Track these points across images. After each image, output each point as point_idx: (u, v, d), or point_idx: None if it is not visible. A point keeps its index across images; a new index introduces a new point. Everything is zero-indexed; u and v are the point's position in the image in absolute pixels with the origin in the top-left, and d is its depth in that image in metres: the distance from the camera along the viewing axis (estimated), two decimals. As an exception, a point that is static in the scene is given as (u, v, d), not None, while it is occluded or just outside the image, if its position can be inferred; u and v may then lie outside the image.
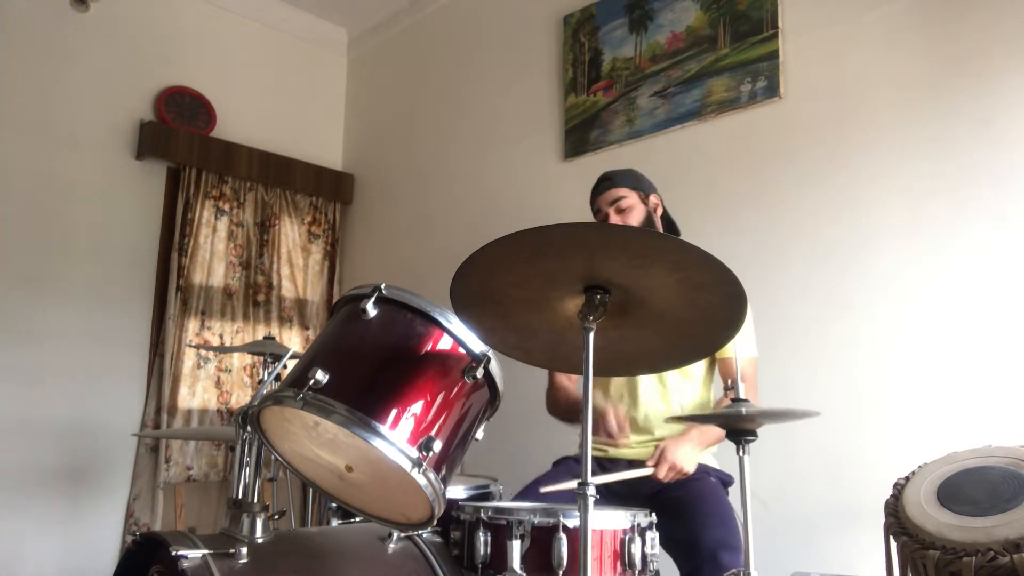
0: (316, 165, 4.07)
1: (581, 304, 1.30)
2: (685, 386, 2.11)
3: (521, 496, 1.94)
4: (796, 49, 2.56)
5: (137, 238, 3.52)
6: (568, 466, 2.10)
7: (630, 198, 2.15)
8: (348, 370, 1.35)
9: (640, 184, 2.19)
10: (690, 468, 1.86)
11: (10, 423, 3.07)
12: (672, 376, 2.10)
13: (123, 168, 3.50)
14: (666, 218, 2.25)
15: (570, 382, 2.25)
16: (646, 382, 2.11)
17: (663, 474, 1.83)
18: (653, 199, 2.20)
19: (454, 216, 3.62)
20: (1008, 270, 2.08)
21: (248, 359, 3.70)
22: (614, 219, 2.13)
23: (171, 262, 3.53)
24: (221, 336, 3.65)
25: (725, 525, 1.80)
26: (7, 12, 3.22)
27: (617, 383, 2.14)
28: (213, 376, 3.60)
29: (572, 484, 1.65)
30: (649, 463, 1.85)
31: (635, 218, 2.14)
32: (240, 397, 3.63)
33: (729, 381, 1.55)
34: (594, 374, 1.28)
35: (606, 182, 2.19)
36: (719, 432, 1.93)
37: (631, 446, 2.07)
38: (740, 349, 2.06)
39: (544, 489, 1.74)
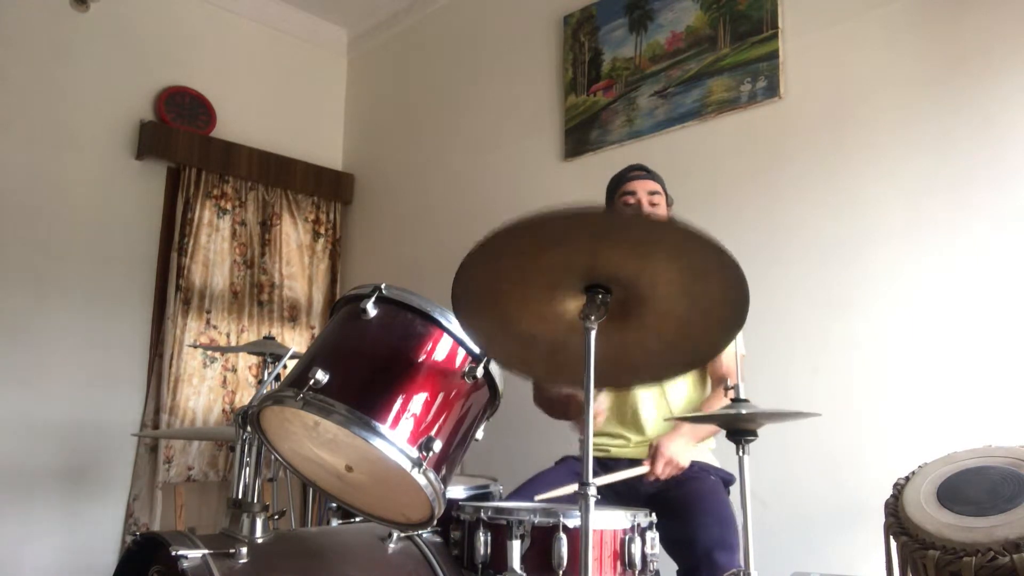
0: (316, 165, 4.07)
1: (582, 305, 1.30)
2: (678, 384, 2.12)
3: (521, 491, 1.94)
4: (796, 49, 2.56)
5: (137, 238, 3.52)
6: (570, 465, 2.10)
7: (662, 195, 2.15)
8: (348, 370, 1.35)
9: (667, 189, 2.19)
10: (684, 462, 1.86)
11: (10, 423, 3.07)
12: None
13: (123, 168, 3.49)
14: None
15: None
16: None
17: (659, 470, 1.84)
18: (671, 210, 2.19)
19: (454, 216, 3.61)
20: (1008, 270, 2.08)
21: (254, 359, 3.70)
22: (648, 210, 2.10)
23: (171, 262, 3.53)
24: (228, 335, 3.65)
25: (722, 524, 1.80)
26: (7, 12, 3.22)
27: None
28: (220, 376, 3.60)
29: (567, 489, 1.65)
30: (645, 462, 1.86)
31: None
32: (245, 397, 3.63)
33: (728, 381, 1.55)
34: (596, 385, 1.27)
35: (642, 171, 2.18)
36: (711, 426, 1.94)
37: (632, 446, 2.08)
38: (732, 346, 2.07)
39: (540, 497, 1.75)
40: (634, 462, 2.04)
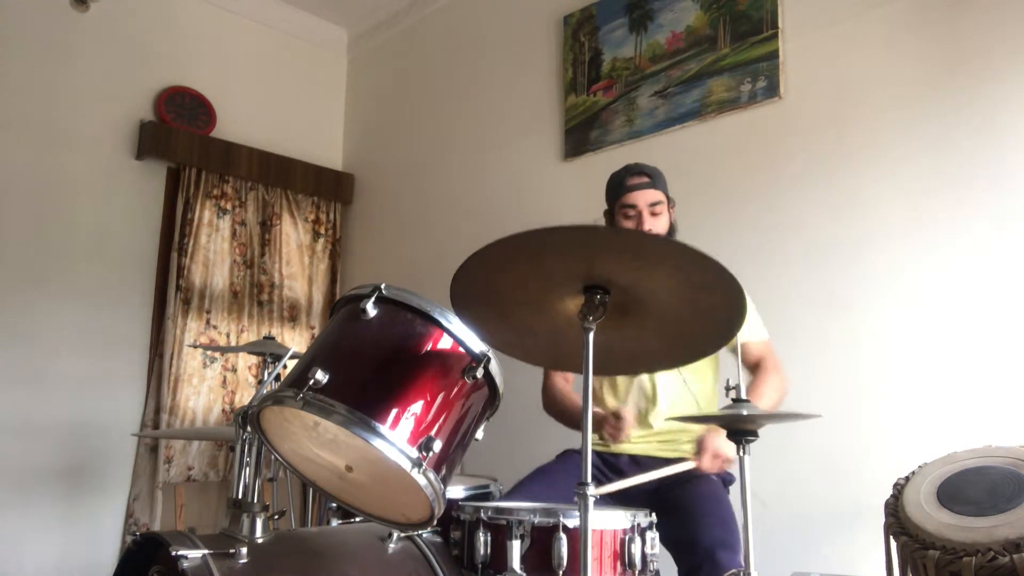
0: (316, 165, 4.07)
1: (581, 304, 1.30)
2: (699, 379, 2.11)
3: (522, 487, 1.95)
4: (796, 49, 2.56)
5: (137, 238, 3.52)
6: (573, 459, 2.10)
7: (664, 203, 2.09)
8: (348, 370, 1.35)
9: (667, 190, 2.13)
10: (733, 455, 1.83)
11: (10, 423, 3.07)
12: (687, 371, 2.10)
13: (123, 168, 3.49)
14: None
15: (566, 383, 2.22)
16: (664, 378, 2.10)
17: (707, 464, 1.85)
18: (672, 212, 2.13)
19: (454, 216, 3.62)
20: (1008, 269, 2.08)
21: (253, 359, 3.69)
22: (649, 221, 2.05)
23: (171, 262, 3.53)
24: (228, 335, 3.65)
25: (724, 524, 1.80)
26: (7, 12, 3.22)
27: (628, 380, 2.13)
28: (219, 376, 3.60)
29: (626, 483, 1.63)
30: (691, 457, 1.86)
31: (662, 225, 2.08)
32: (245, 397, 3.63)
33: (729, 380, 1.54)
34: (594, 372, 1.28)
35: (644, 178, 2.08)
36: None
37: (632, 441, 2.08)
38: (751, 334, 2.07)
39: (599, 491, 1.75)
40: (635, 458, 2.05)
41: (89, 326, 3.31)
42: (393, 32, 4.15)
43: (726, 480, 2.03)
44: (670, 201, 2.14)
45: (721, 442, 1.85)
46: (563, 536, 1.45)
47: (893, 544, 1.56)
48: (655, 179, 2.10)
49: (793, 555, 2.21)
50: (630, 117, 2.96)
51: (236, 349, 2.82)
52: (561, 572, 1.44)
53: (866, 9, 2.42)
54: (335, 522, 1.81)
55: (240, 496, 1.48)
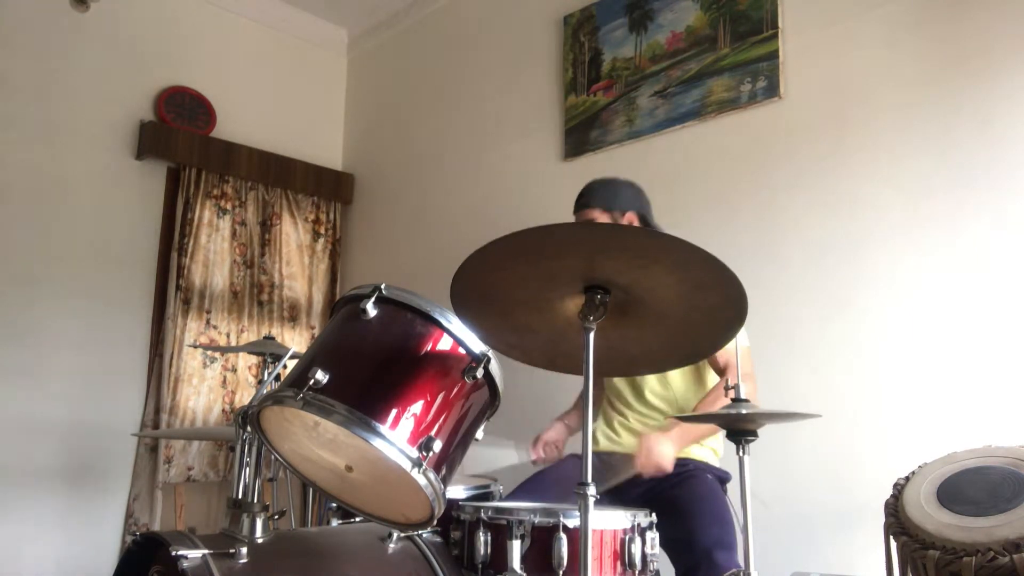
0: (316, 165, 4.07)
1: (581, 304, 1.31)
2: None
3: (524, 488, 1.95)
4: (796, 49, 2.56)
5: (137, 238, 3.52)
6: (573, 462, 2.10)
7: (601, 219, 2.08)
8: (348, 370, 1.35)
9: (615, 202, 2.11)
10: (668, 466, 1.85)
11: (10, 423, 3.07)
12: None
13: (123, 168, 3.49)
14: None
15: None
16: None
17: (642, 461, 1.84)
18: (628, 217, 2.11)
19: (454, 216, 3.62)
20: (1007, 270, 2.08)
21: (253, 359, 3.69)
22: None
23: (171, 262, 3.53)
24: (228, 335, 3.64)
25: (721, 524, 1.80)
26: (7, 12, 3.22)
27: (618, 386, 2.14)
28: (219, 376, 3.59)
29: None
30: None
31: None
32: (245, 397, 3.62)
33: (729, 380, 1.54)
34: (595, 373, 1.29)
35: (581, 199, 2.15)
36: (701, 431, 1.93)
37: (621, 442, 2.08)
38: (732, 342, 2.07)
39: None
40: (627, 457, 2.05)
41: (89, 326, 3.31)
42: (393, 32, 4.15)
43: (723, 478, 2.04)
44: (620, 211, 2.11)
45: (659, 445, 1.84)
46: (563, 536, 1.45)
47: (893, 544, 1.56)
48: (591, 197, 2.14)
49: (793, 555, 2.21)
50: (630, 117, 2.95)
51: (236, 349, 2.82)
52: (561, 572, 1.44)
53: (866, 9, 2.42)
54: (335, 522, 1.81)
55: (240, 496, 1.48)
